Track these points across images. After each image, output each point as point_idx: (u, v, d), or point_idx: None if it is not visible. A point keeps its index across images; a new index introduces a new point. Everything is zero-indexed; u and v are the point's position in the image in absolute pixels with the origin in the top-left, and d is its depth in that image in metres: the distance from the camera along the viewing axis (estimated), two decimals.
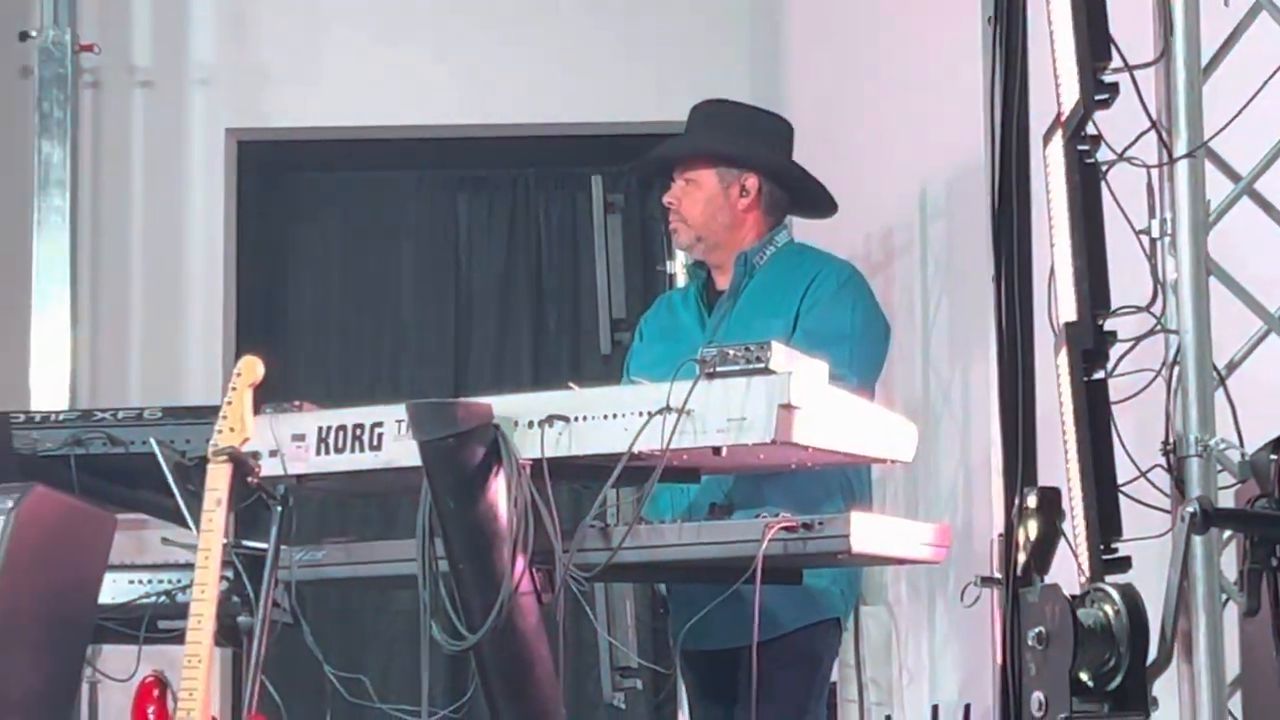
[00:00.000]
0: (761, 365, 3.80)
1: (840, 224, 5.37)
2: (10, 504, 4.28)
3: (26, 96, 8.13)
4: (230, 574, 4.29)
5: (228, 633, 4.34)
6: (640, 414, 3.88)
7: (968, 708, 5.25)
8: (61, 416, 5.81)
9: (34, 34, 8.05)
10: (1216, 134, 3.61)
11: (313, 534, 4.61)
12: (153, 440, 4.94)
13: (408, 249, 9.05)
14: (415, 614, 4.14)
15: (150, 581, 5.01)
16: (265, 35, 8.57)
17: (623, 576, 4.88)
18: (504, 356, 8.62)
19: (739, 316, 4.74)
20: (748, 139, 5.02)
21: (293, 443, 4.23)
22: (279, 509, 4.08)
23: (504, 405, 4.02)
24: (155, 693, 4.79)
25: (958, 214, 5.42)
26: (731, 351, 3.89)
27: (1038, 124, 3.57)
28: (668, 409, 3.80)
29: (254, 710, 4.08)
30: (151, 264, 8.60)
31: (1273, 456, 3.28)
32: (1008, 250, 3.33)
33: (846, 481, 4.62)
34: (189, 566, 4.24)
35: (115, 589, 4.94)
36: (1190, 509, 3.22)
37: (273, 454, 4.20)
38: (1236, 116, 3.61)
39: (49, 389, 7.88)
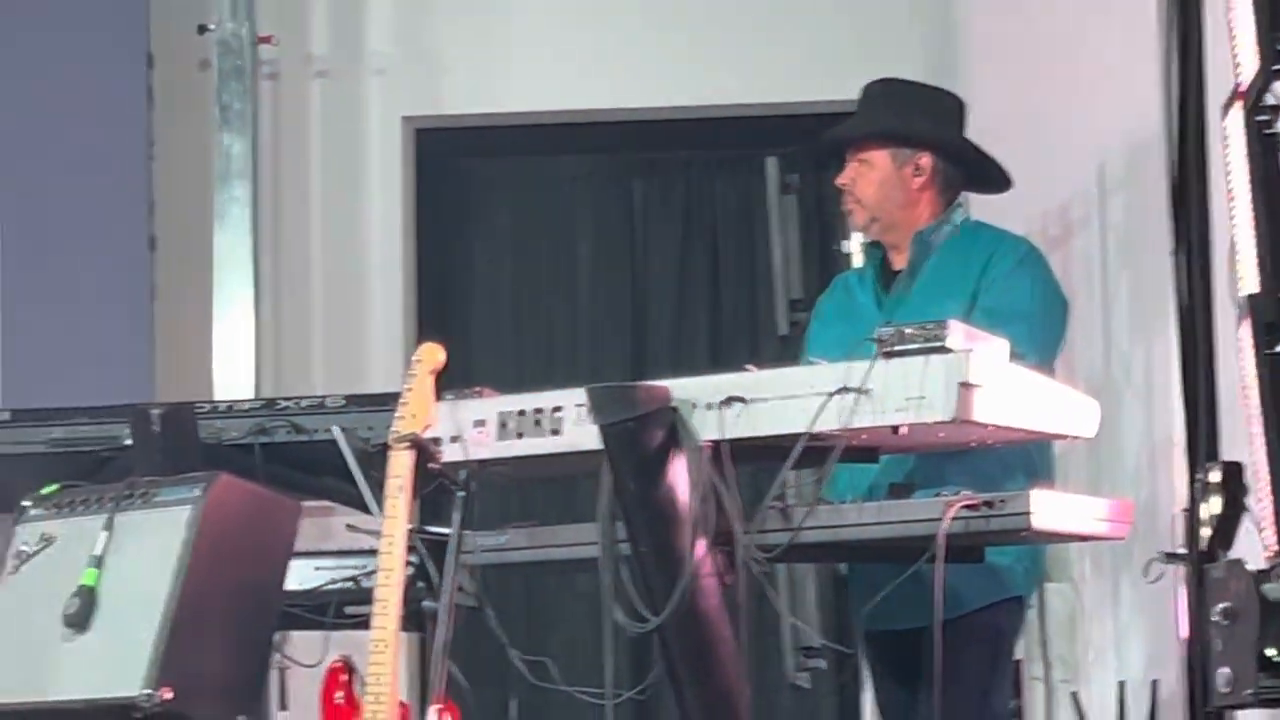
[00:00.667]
0: (939, 344, 3.77)
1: (1017, 200, 5.35)
2: (198, 492, 4.41)
3: (206, 90, 8.20)
4: (414, 559, 4.41)
5: (413, 618, 4.41)
6: (819, 394, 3.85)
7: (1155, 684, 5.18)
8: (245, 406, 5.92)
9: (212, 27, 8.05)
10: None
11: (495, 518, 4.61)
12: (335, 428, 5.06)
13: (584, 234, 9.04)
14: (598, 597, 4.15)
15: (335, 568, 5.12)
16: (439, 22, 8.62)
17: (803, 557, 4.80)
18: (681, 339, 8.62)
19: (916, 296, 4.73)
20: (920, 117, 5.01)
21: (474, 428, 4.23)
22: (461, 494, 4.10)
23: (682, 388, 4.03)
24: (343, 677, 4.95)
25: (1136, 187, 5.38)
26: (909, 330, 3.87)
27: (1216, 97, 3.53)
28: (846, 389, 3.78)
29: (440, 694, 4.13)
30: (331, 252, 8.68)
31: None
32: (1187, 224, 3.32)
33: (1028, 459, 4.56)
34: (373, 553, 4.27)
35: (301, 575, 5.02)
36: None
37: (454, 439, 4.22)
38: None
39: (232, 378, 7.91)
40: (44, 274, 7.94)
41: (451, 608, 4.17)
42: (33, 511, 4.75)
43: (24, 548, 4.67)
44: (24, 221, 7.83)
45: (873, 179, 4.83)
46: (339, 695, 5.01)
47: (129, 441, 5.24)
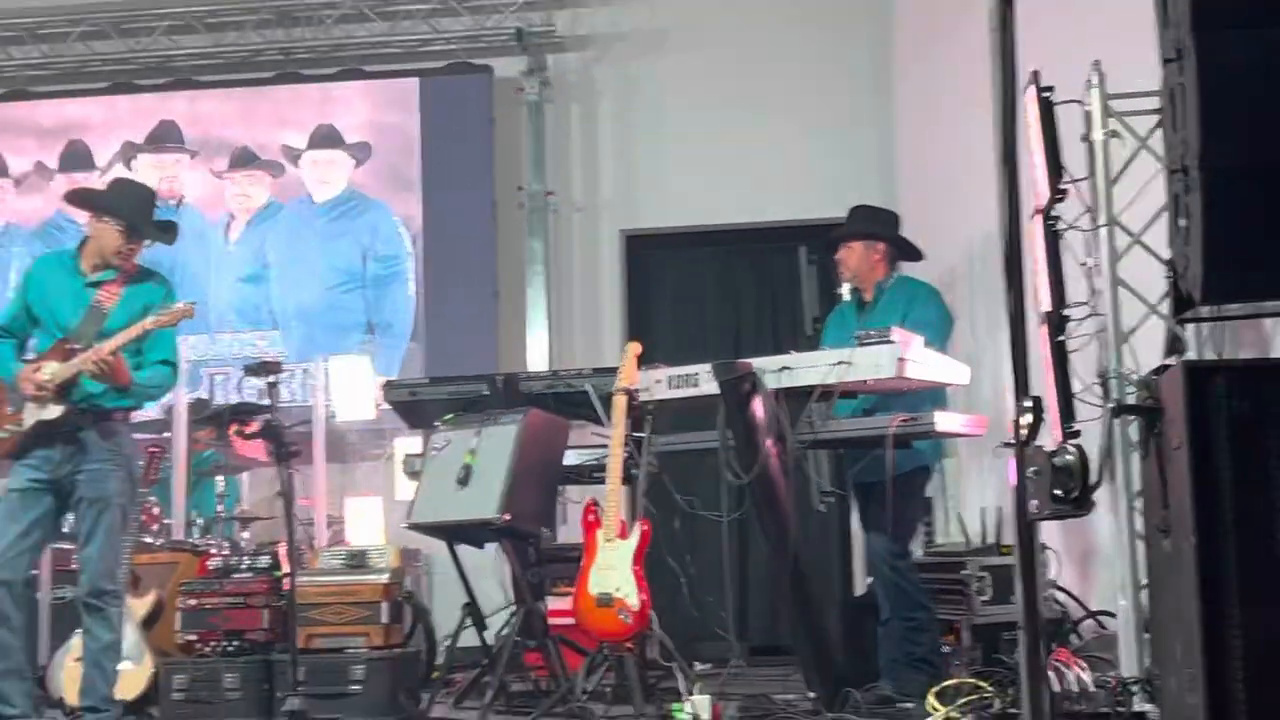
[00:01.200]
0: (887, 339, 5.22)
1: (929, 263, 6.37)
2: (520, 417, 5.93)
3: (522, 220, 9.57)
4: (628, 449, 5.70)
5: (627, 477, 5.78)
6: (827, 365, 5.30)
7: (999, 509, 6.24)
8: (543, 374, 7.34)
9: (523, 186, 9.51)
10: (1121, 211, 4.76)
11: (668, 428, 5.90)
12: (588, 384, 6.39)
13: (707, 284, 9.75)
14: (717, 469, 5.43)
15: (588, 453, 6.46)
16: (640, 174, 9.63)
17: (818, 446, 5.67)
18: (760, 337, 9.06)
19: (876, 316, 5.80)
20: (878, 226, 6.13)
21: (655, 384, 5.66)
22: (649, 417, 5.66)
23: (758, 363, 5.46)
24: (592, 514, 5.66)
25: (990, 253, 5.51)
26: (873, 333, 5.33)
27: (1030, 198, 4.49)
28: (840, 362, 5.26)
29: (643, 518, 5.52)
30: (586, 296, 9.69)
31: (1153, 377, 4.19)
32: (1017, 272, 3.38)
33: (935, 396, 5.71)
34: (606, 446, 5.83)
35: (572, 456, 6.44)
36: (1111, 404, 4.51)
37: (645, 390, 5.68)
38: (1129, 205, 4.74)
39: (537, 361, 9.31)
40: (448, 305, 9.48)
41: (645, 471, 5.66)
42: (441, 428, 6.19)
43: (436, 446, 6.15)
44: (440, 278, 9.49)
45: (854, 257, 6.03)
46: (590, 517, 5.62)
47: (486, 392, 6.65)
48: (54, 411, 5.38)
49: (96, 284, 5.57)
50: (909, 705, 5.23)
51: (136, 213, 5.64)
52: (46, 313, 5.56)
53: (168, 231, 5.86)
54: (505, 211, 9.50)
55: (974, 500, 6.90)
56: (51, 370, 5.36)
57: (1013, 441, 3.40)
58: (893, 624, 5.77)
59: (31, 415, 5.40)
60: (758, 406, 5.44)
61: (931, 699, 4.96)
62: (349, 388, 8.60)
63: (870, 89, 9.28)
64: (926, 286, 6.11)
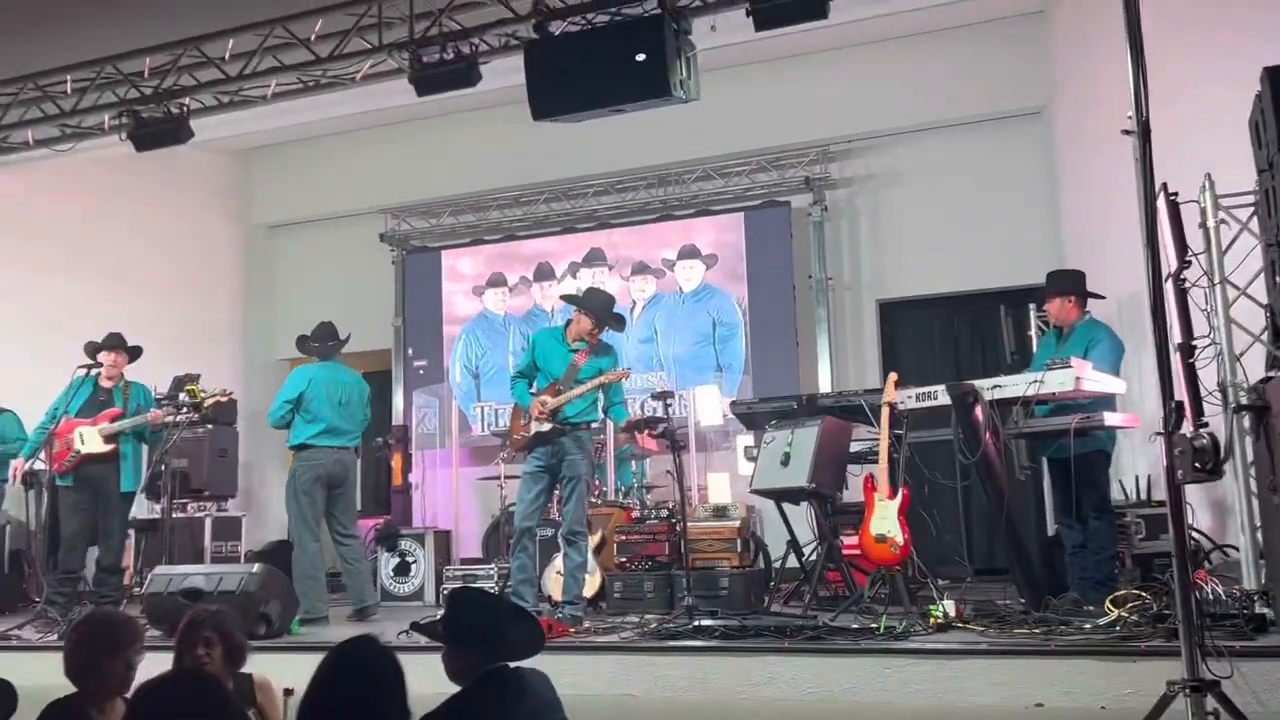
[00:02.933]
0: (1068, 365, 5.02)
1: (1106, 302, 5.99)
2: (820, 420, 5.86)
3: (814, 298, 9.16)
4: (893, 436, 5.45)
5: (891, 460, 5.44)
6: (1027, 383, 5.09)
7: (1149, 476, 5.90)
8: (832, 394, 7.03)
9: (810, 275, 9.14)
10: (1231, 272, 4.56)
11: (917, 428, 5.61)
12: (862, 400, 6.20)
13: (958, 330, 9.11)
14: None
15: (863, 443, 6.21)
16: (905, 249, 9.30)
17: (1020, 438, 5.24)
18: (980, 367, 7.83)
19: (1069, 346, 5.56)
20: (1070, 283, 5.73)
21: (907, 399, 5.45)
22: (904, 420, 5.41)
23: (977, 383, 5.26)
24: (870, 483, 5.33)
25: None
26: (1058, 360, 5.11)
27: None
28: (1037, 381, 5.04)
29: (903, 484, 5.33)
30: (852, 342, 9.32)
31: (1260, 384, 4.26)
32: (1162, 320, 3.46)
33: (1107, 402, 5.33)
34: (875, 439, 5.58)
35: (854, 446, 6.27)
36: (1232, 405, 4.39)
37: (901, 403, 5.43)
38: (1236, 268, 4.57)
39: (824, 383, 8.81)
40: (766, 352, 9.29)
41: (903, 455, 5.42)
42: (768, 429, 6.17)
43: (766, 440, 6.09)
44: (760, 335, 9.37)
45: (1054, 307, 5.71)
46: (869, 485, 5.36)
47: (795, 406, 6.57)
48: (547, 426, 5.65)
49: (574, 350, 5.85)
50: (1091, 608, 4.94)
51: (602, 309, 5.88)
52: (544, 365, 5.88)
53: (619, 322, 6.08)
54: (801, 292, 9.38)
55: (1130, 471, 6.48)
56: (547, 401, 5.66)
57: (1163, 431, 3.36)
58: (1083, 553, 5.41)
59: (534, 428, 5.68)
60: (978, 411, 5.22)
61: (1109, 604, 4.68)
62: (707, 406, 8.73)
63: (1042, 188, 8.80)
64: (1105, 327, 5.72)
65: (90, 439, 6.53)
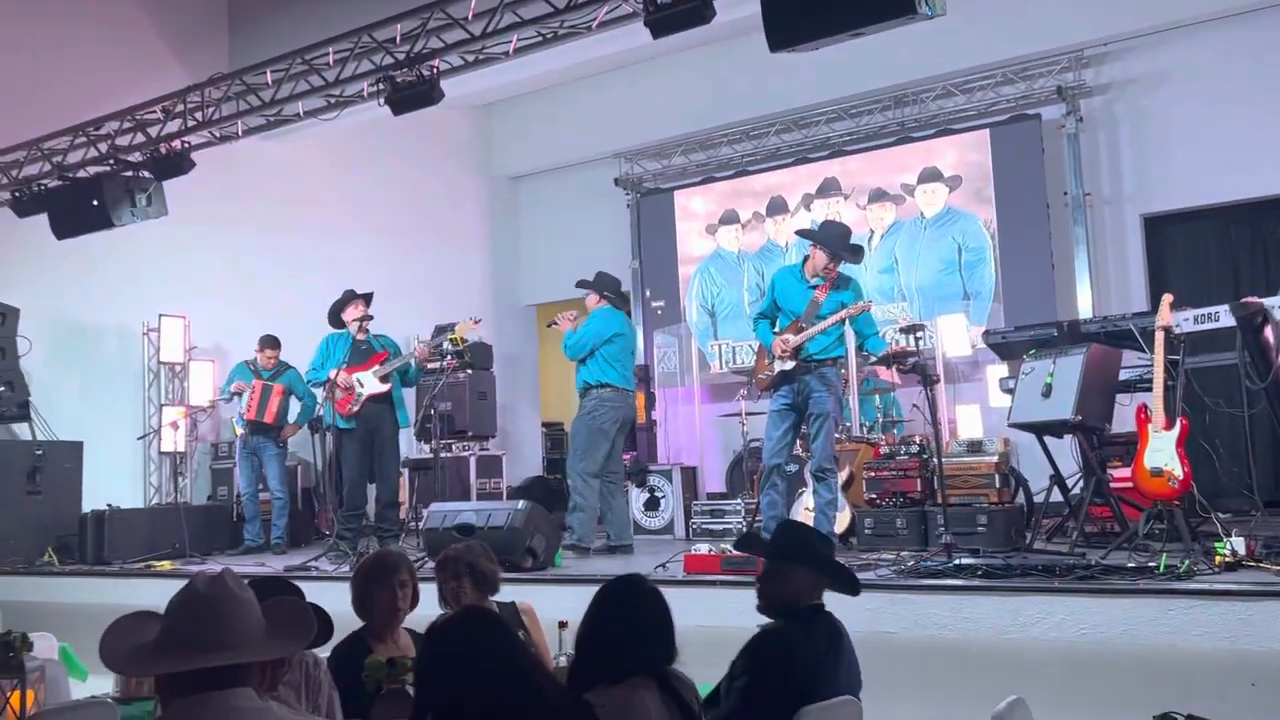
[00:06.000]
0: None
1: None
2: (1086, 347, 5.40)
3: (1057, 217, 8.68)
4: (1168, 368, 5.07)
5: (1167, 388, 5.05)
6: None
7: None
8: (1098, 319, 6.48)
9: (1066, 192, 8.64)
10: None
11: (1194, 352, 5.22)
12: (1131, 325, 5.67)
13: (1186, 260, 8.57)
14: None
15: (1133, 371, 5.85)
16: (1165, 146, 8.50)
17: None
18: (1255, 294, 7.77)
19: None
20: None
21: (1184, 321, 5.03)
22: (1181, 344, 4.99)
23: (1267, 301, 4.90)
24: (1144, 414, 4.92)
25: None
26: None
27: None
28: None
29: None
30: (1115, 247, 8.78)
31: None
32: None
33: None
34: (1147, 366, 5.19)
35: (1124, 374, 5.86)
36: None
37: (1177, 326, 5.03)
38: None
39: (1084, 307, 8.30)
40: (1018, 276, 8.85)
41: (1181, 383, 4.98)
42: (1026, 359, 5.78)
43: (1025, 371, 5.71)
44: (1011, 259, 8.96)
45: None
46: (1143, 415, 4.92)
47: (1055, 334, 6.19)
48: (790, 364, 5.67)
49: (813, 286, 5.82)
50: None
51: (838, 241, 5.81)
52: (785, 304, 5.89)
53: (857, 254, 5.98)
54: (1056, 210, 8.86)
55: None
56: (789, 339, 5.68)
57: None
58: None
59: (778, 366, 5.72)
60: (1269, 332, 4.85)
61: None
62: (954, 336, 8.51)
63: None
64: None
65: (369, 382, 7.17)
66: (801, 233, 6.32)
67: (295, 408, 8.11)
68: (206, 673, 1.72)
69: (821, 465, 5.71)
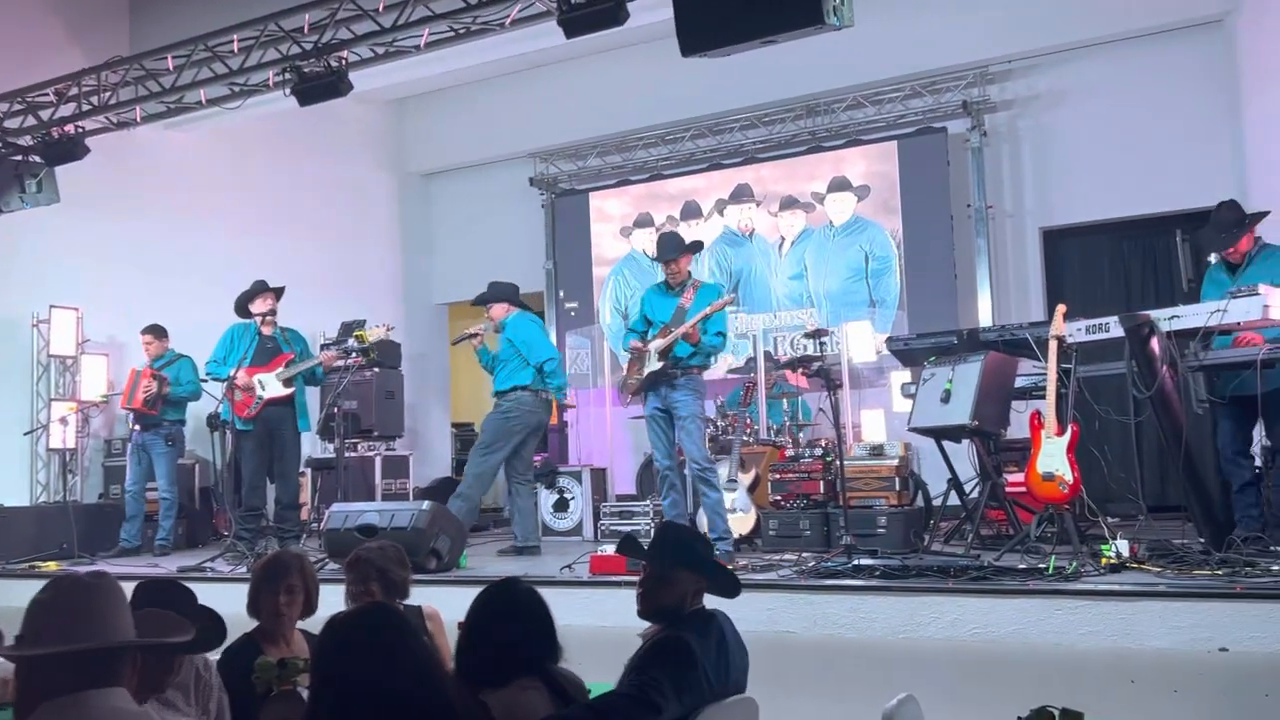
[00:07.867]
0: (1255, 292, 4.70)
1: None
2: (983, 355, 5.60)
3: (973, 226, 8.85)
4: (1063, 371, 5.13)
5: (1059, 395, 5.18)
6: (1209, 312, 4.79)
7: None
8: (995, 327, 6.62)
9: (969, 205, 8.78)
10: None
11: (1085, 361, 5.41)
12: (1027, 334, 5.79)
13: (1123, 262, 8.75)
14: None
15: (1029, 379, 6.06)
16: (1063, 169, 8.86)
17: (1199, 370, 4.99)
18: (1157, 298, 7.71)
19: (1248, 277, 5.16)
20: (1242, 214, 5.35)
21: (1076, 331, 5.15)
22: (1073, 353, 5.16)
23: (1153, 314, 4.93)
24: (1037, 420, 5.14)
25: None
26: (1243, 289, 4.79)
27: None
28: (1218, 310, 4.74)
29: (1073, 420, 5.09)
30: (1016, 258, 9.07)
31: None
32: None
33: None
34: (1041, 374, 5.43)
35: (1019, 381, 6.08)
36: None
37: (1070, 335, 5.16)
38: None
39: (984, 317, 8.51)
40: (923, 286, 9.01)
41: (1072, 390, 5.10)
42: (927, 365, 5.95)
43: (925, 376, 5.89)
44: (916, 268, 9.10)
45: (1247, 242, 5.32)
46: (1036, 421, 5.08)
47: (955, 341, 6.26)
48: (658, 365, 5.74)
49: (678, 295, 5.93)
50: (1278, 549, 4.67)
51: (664, 249, 6.01)
52: (654, 316, 6.02)
53: (691, 246, 6.08)
54: (959, 222, 9.10)
55: None
56: (656, 344, 5.76)
57: None
58: (1249, 490, 5.18)
59: (647, 368, 5.78)
60: (1155, 343, 4.94)
61: None
62: (859, 342, 8.64)
63: (1219, 103, 8.26)
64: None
65: (270, 385, 6.95)
66: (657, 258, 6.43)
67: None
68: (79, 668, 1.66)
69: (700, 466, 5.76)
